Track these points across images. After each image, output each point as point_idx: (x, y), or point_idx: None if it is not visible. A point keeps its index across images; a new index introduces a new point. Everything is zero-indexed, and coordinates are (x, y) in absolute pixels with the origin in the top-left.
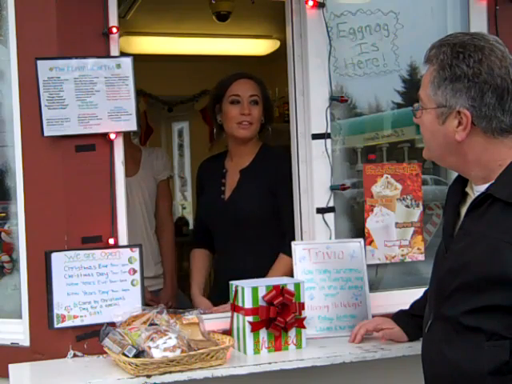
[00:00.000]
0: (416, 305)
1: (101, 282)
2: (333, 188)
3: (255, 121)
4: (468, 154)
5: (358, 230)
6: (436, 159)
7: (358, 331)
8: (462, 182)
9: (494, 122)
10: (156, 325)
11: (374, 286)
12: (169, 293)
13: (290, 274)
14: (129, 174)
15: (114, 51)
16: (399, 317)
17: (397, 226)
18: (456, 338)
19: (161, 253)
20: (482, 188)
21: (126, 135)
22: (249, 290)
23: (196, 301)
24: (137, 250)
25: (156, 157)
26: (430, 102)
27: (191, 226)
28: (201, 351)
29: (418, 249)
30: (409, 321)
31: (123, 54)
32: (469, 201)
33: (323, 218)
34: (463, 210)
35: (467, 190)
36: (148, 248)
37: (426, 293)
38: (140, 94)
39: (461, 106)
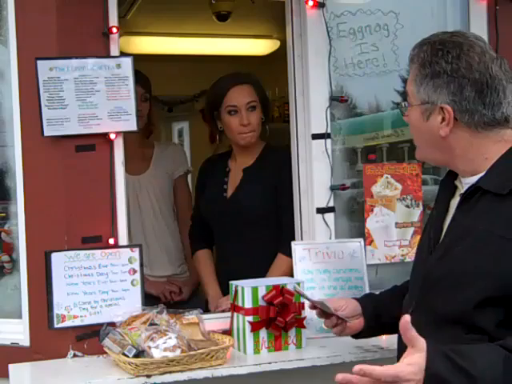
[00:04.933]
0: (385, 307)
1: (101, 282)
2: (333, 188)
3: (256, 127)
4: (455, 149)
5: (358, 230)
6: (426, 158)
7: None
8: (453, 176)
9: (476, 116)
10: (156, 325)
11: (374, 286)
12: (191, 286)
13: (289, 274)
14: (138, 171)
15: (114, 51)
16: (369, 315)
17: (397, 226)
18: (435, 328)
19: (187, 250)
20: (471, 180)
21: (139, 133)
22: (249, 290)
23: (221, 300)
24: (137, 250)
25: (170, 153)
26: (414, 99)
27: None
28: (201, 351)
29: None
30: (374, 322)
31: (123, 54)
32: (457, 193)
33: (323, 218)
34: (452, 203)
35: (456, 182)
36: (161, 246)
37: (395, 291)
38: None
39: (442, 102)
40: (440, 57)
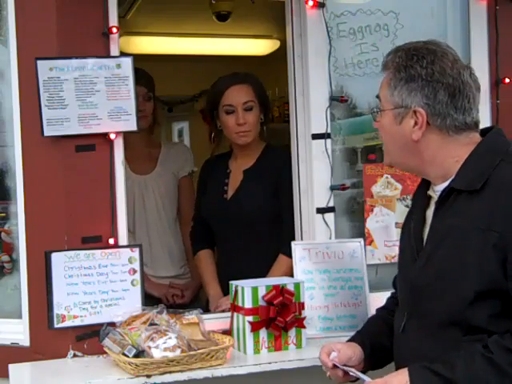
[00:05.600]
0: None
1: (101, 282)
2: (333, 188)
3: (252, 127)
4: (424, 153)
5: (358, 230)
6: (396, 163)
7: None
8: (425, 186)
9: (448, 120)
10: (156, 325)
11: (374, 286)
12: (193, 289)
13: (289, 274)
14: (145, 171)
15: (114, 51)
16: (368, 355)
17: (397, 226)
18: (432, 334)
19: (188, 251)
20: (443, 186)
21: (145, 132)
22: (249, 290)
23: (221, 301)
24: (137, 250)
25: (176, 153)
26: (387, 103)
27: None
28: (201, 351)
29: None
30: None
31: (123, 54)
32: (432, 203)
33: (323, 218)
34: (428, 213)
35: (429, 192)
36: (164, 246)
37: (383, 315)
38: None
39: (416, 105)
40: (415, 61)
